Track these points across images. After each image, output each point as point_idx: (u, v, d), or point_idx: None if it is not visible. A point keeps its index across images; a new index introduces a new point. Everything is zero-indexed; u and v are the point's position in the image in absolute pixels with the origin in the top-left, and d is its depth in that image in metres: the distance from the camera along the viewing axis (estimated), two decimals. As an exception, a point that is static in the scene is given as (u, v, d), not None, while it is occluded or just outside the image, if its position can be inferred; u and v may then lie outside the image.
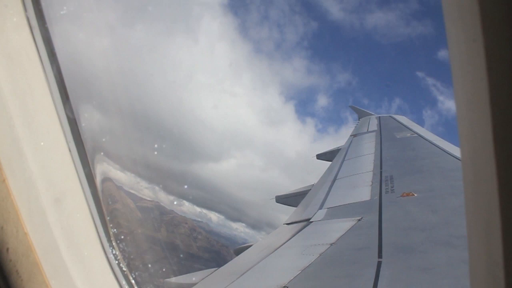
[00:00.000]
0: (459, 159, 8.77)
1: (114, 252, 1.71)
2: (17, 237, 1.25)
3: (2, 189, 1.23)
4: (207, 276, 5.17)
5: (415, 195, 7.30)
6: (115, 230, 1.76)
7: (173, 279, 5.22)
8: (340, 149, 17.31)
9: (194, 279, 5.08)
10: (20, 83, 1.38)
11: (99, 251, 1.64)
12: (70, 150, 1.52)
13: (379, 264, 4.55)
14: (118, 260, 1.72)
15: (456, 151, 10.13)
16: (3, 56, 1.33)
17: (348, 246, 5.53)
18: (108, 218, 1.70)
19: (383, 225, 6.09)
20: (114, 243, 1.72)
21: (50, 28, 1.49)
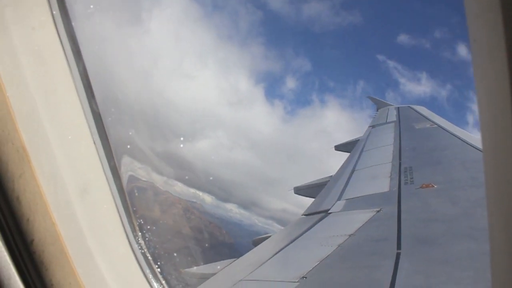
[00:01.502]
0: (479, 150, 8.59)
1: (138, 240, 1.74)
2: (45, 227, 1.29)
3: (31, 182, 1.25)
4: (226, 266, 5.20)
5: (435, 186, 7.18)
6: (140, 221, 1.80)
7: (194, 269, 5.28)
8: (358, 140, 17.14)
9: (214, 269, 5.12)
10: (46, 79, 1.40)
11: (123, 240, 1.67)
12: (95, 143, 1.55)
13: (398, 256, 4.51)
14: (142, 249, 1.75)
15: (477, 142, 9.91)
16: (29, 53, 1.35)
17: (367, 238, 5.49)
18: (133, 209, 1.73)
19: (402, 216, 6.01)
20: (138, 232, 1.75)
21: (74, 25, 1.52)
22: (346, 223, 6.33)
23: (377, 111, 25.56)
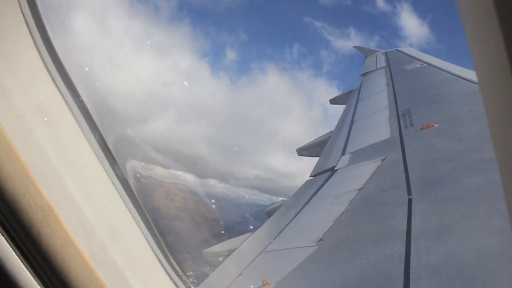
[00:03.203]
0: (474, 83, 8.44)
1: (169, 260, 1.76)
2: (83, 276, 1.31)
3: (61, 234, 1.27)
4: (244, 241, 5.19)
5: (435, 125, 7.09)
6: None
7: (214, 248, 5.27)
8: (352, 90, 16.97)
9: (233, 245, 5.11)
10: (54, 133, 1.42)
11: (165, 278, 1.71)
12: (113, 184, 1.58)
13: (410, 202, 4.46)
14: (174, 269, 1.76)
15: (469, 74, 9.74)
16: (33, 110, 1.36)
17: (377, 189, 5.45)
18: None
19: (408, 161, 5.95)
20: (166, 251, 1.77)
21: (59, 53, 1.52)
22: (354, 178, 6.29)
23: (365, 59, 25.21)
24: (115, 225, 1.55)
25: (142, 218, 1.66)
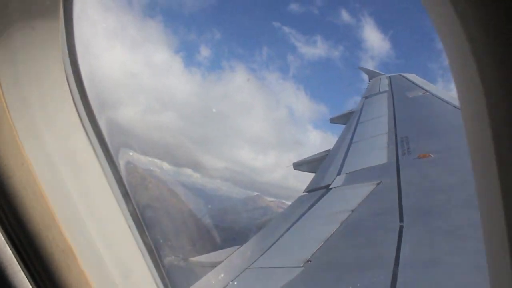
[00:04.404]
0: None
1: None
2: None
3: (78, 275, 1.34)
4: (231, 254, 5.13)
5: (432, 155, 7.09)
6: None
7: (200, 258, 5.22)
8: (353, 111, 17.01)
9: (219, 257, 5.06)
10: (82, 182, 1.48)
11: None
12: (129, 227, 1.64)
13: (401, 229, 4.44)
14: None
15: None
16: (64, 158, 1.41)
17: (369, 212, 5.42)
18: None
19: (402, 188, 5.93)
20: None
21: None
22: (348, 198, 6.26)
23: (369, 81, 25.32)
24: (128, 268, 1.60)
25: (153, 262, 1.71)
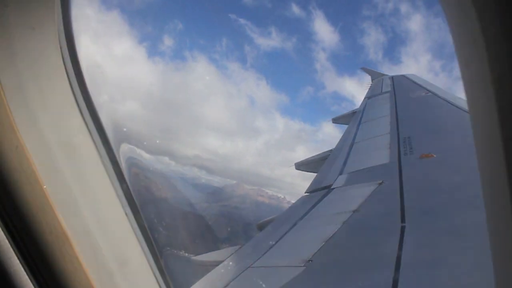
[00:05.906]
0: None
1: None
2: None
3: (72, 259, 1.33)
4: (233, 253, 5.10)
5: (434, 156, 7.02)
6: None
7: (202, 256, 5.19)
8: (355, 112, 16.95)
9: (219, 256, 5.02)
10: (78, 166, 1.47)
11: None
12: (126, 214, 1.63)
13: (402, 229, 4.38)
14: None
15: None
16: (60, 142, 1.40)
17: (371, 212, 5.36)
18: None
19: (404, 188, 5.87)
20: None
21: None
22: (349, 199, 6.20)
23: (372, 81, 25.25)
24: (124, 255, 1.60)
25: (150, 251, 1.69)
